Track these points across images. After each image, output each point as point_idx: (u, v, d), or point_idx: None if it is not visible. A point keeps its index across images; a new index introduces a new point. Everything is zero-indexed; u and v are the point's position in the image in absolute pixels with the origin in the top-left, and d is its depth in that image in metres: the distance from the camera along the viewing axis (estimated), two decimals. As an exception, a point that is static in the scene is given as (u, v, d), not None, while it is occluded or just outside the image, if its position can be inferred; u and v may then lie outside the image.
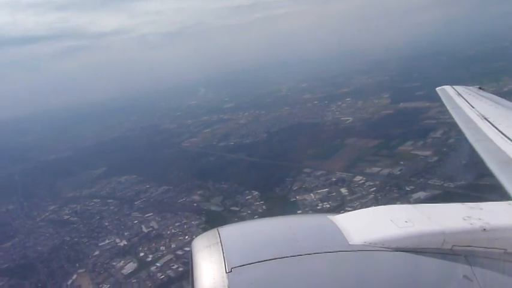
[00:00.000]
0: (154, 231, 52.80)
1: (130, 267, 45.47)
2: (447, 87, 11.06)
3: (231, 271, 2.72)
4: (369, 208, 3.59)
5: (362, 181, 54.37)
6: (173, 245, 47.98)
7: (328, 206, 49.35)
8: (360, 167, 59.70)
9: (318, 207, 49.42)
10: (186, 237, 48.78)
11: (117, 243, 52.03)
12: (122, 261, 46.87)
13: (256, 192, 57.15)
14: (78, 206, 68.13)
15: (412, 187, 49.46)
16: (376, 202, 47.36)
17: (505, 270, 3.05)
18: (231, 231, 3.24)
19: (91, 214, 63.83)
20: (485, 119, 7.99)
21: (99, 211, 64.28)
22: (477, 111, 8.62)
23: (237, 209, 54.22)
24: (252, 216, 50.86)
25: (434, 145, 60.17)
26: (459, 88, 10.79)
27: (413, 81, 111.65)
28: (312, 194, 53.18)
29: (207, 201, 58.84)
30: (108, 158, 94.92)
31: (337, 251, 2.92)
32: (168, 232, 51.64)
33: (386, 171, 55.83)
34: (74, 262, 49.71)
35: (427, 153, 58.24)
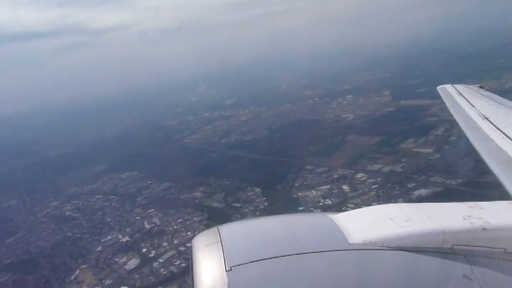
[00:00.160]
0: (156, 228, 52.99)
1: (133, 263, 45.73)
2: (448, 86, 11.07)
3: (231, 270, 2.72)
4: (369, 207, 3.57)
5: (364, 178, 54.50)
6: (176, 241, 48.21)
7: (330, 202, 49.56)
8: (362, 164, 59.82)
9: (319, 204, 49.61)
10: (189, 233, 48.95)
11: (119, 239, 52.29)
12: (125, 257, 47.14)
13: (258, 189, 57.28)
14: (80, 202, 68.41)
15: (413, 184, 49.57)
16: (378, 199, 47.59)
17: (504, 269, 3.04)
18: (231, 229, 3.24)
19: (93, 210, 64.06)
20: (486, 118, 7.99)
21: (101, 207, 64.50)
22: (477, 110, 8.63)
23: (239, 205, 54.36)
24: (254, 212, 51.07)
25: (436, 142, 60.23)
26: (460, 87, 10.80)
27: (414, 79, 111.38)
28: (313, 191, 53.30)
29: (209, 197, 59.02)
30: (109, 154, 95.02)
31: (337, 250, 2.92)
32: (171, 228, 51.83)
33: (388, 168, 55.96)
34: (77, 258, 50.03)
35: (429, 150, 58.34)
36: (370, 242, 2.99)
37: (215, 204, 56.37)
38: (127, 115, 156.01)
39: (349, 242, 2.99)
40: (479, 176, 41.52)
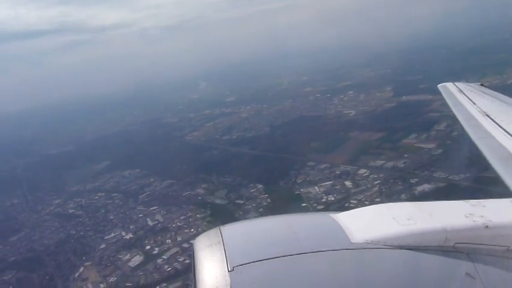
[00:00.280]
0: (159, 225, 53.08)
1: (136, 260, 45.83)
2: (449, 84, 11.04)
3: (233, 270, 2.72)
4: (371, 206, 3.55)
5: (366, 174, 54.54)
6: (179, 238, 48.31)
7: (332, 198, 49.60)
8: (364, 160, 59.83)
9: (322, 200, 49.68)
10: (192, 230, 49.11)
11: (122, 236, 52.39)
12: (128, 254, 47.23)
13: (261, 186, 57.32)
14: (83, 200, 68.49)
15: (416, 180, 49.59)
16: (381, 195, 47.65)
17: (507, 267, 3.04)
18: (232, 230, 3.24)
19: (96, 208, 64.13)
20: (487, 115, 7.96)
21: (104, 205, 64.58)
22: (479, 107, 8.61)
23: (242, 202, 54.40)
24: (257, 209, 51.14)
25: (438, 138, 60.27)
26: (460, 85, 10.78)
27: (415, 74, 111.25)
28: (316, 187, 53.34)
29: (211, 194, 59.06)
30: (111, 152, 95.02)
31: (339, 250, 2.92)
32: (174, 225, 51.91)
33: (390, 164, 55.97)
34: (81, 255, 50.12)
35: (431, 145, 58.37)
36: (372, 241, 2.99)
37: (218, 201, 56.41)
38: (128, 113, 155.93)
39: (352, 241, 3.00)
40: (482, 171, 41.48)
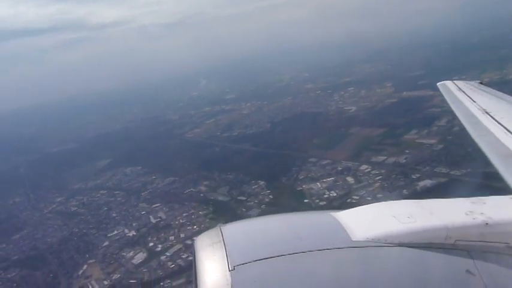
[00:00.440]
0: (162, 222, 53.19)
1: (140, 257, 45.96)
2: (448, 82, 11.01)
3: (234, 269, 2.71)
4: (371, 204, 3.54)
5: (368, 170, 54.60)
6: (182, 235, 48.40)
7: (335, 194, 49.68)
8: (365, 156, 59.91)
9: (324, 196, 49.79)
10: (195, 227, 49.25)
11: (125, 233, 52.54)
12: (132, 252, 47.38)
13: (263, 182, 57.40)
14: (85, 198, 68.64)
15: (418, 175, 49.68)
16: (383, 190, 47.73)
17: (508, 264, 3.04)
18: (233, 229, 3.24)
19: (98, 205, 64.27)
20: (487, 113, 7.93)
21: (106, 202, 64.72)
22: (478, 105, 8.59)
23: (244, 198, 54.49)
24: (260, 205, 51.27)
25: (439, 133, 60.28)
26: (460, 83, 10.76)
27: (416, 70, 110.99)
28: (318, 183, 53.41)
29: (213, 191, 59.19)
30: (112, 150, 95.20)
31: (340, 248, 2.92)
32: (176, 222, 52.00)
33: (391, 159, 56.06)
34: (84, 253, 50.30)
35: (432, 141, 58.42)
36: (373, 239, 3.00)
37: (220, 198, 56.55)
38: (128, 110, 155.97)
39: (352, 239, 3.00)
40: (484, 166, 41.48)
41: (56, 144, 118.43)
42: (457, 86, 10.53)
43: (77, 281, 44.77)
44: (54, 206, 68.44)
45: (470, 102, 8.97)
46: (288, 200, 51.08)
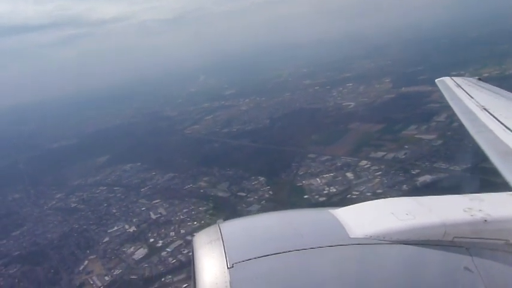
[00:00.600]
0: (162, 218, 53.34)
1: (141, 252, 46.14)
2: (446, 79, 10.97)
3: (233, 266, 2.71)
4: (370, 201, 3.53)
5: (367, 165, 54.77)
6: (182, 231, 48.58)
7: (334, 190, 49.83)
8: (365, 151, 60.03)
9: (324, 192, 49.94)
10: (195, 223, 49.43)
11: (126, 229, 52.64)
12: (132, 247, 47.53)
13: (262, 178, 57.54)
14: (85, 194, 68.72)
15: (417, 171, 49.82)
16: (382, 186, 47.91)
17: (506, 261, 3.03)
18: (231, 226, 3.24)
19: (98, 201, 64.36)
20: (485, 109, 7.89)
21: (106, 198, 64.83)
22: (476, 101, 8.55)
23: (244, 194, 54.63)
24: (259, 201, 51.46)
25: (438, 129, 60.41)
26: (458, 79, 10.71)
27: (415, 65, 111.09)
28: (318, 179, 53.55)
29: (213, 187, 59.33)
30: (111, 146, 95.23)
31: (338, 245, 2.92)
32: (177, 218, 52.18)
33: (391, 155, 56.22)
34: (85, 249, 50.45)
35: (432, 136, 58.57)
36: (371, 236, 3.00)
37: (220, 194, 56.69)
38: (127, 106, 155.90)
39: (351, 236, 3.00)
40: (483, 161, 41.65)
41: (55, 140, 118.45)
42: (455, 82, 10.50)
43: (78, 276, 44.96)
44: (54, 202, 68.51)
45: (469, 99, 8.94)
46: (288, 195, 51.28)
